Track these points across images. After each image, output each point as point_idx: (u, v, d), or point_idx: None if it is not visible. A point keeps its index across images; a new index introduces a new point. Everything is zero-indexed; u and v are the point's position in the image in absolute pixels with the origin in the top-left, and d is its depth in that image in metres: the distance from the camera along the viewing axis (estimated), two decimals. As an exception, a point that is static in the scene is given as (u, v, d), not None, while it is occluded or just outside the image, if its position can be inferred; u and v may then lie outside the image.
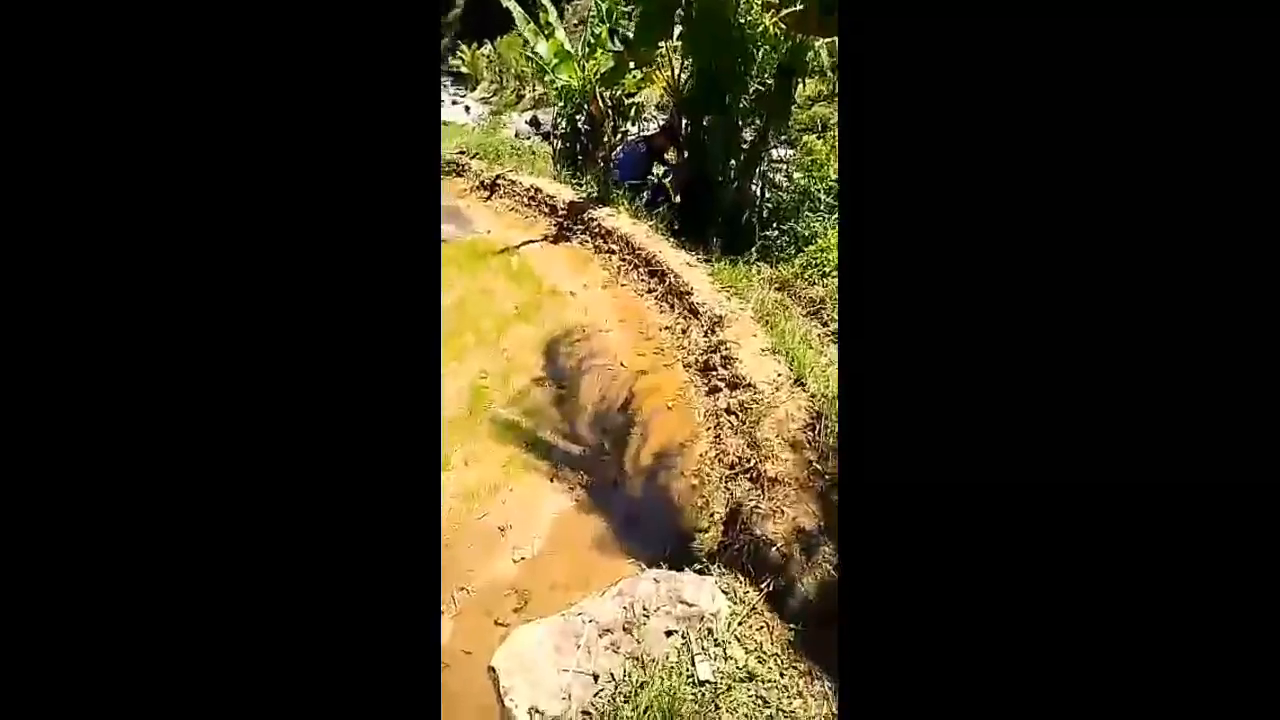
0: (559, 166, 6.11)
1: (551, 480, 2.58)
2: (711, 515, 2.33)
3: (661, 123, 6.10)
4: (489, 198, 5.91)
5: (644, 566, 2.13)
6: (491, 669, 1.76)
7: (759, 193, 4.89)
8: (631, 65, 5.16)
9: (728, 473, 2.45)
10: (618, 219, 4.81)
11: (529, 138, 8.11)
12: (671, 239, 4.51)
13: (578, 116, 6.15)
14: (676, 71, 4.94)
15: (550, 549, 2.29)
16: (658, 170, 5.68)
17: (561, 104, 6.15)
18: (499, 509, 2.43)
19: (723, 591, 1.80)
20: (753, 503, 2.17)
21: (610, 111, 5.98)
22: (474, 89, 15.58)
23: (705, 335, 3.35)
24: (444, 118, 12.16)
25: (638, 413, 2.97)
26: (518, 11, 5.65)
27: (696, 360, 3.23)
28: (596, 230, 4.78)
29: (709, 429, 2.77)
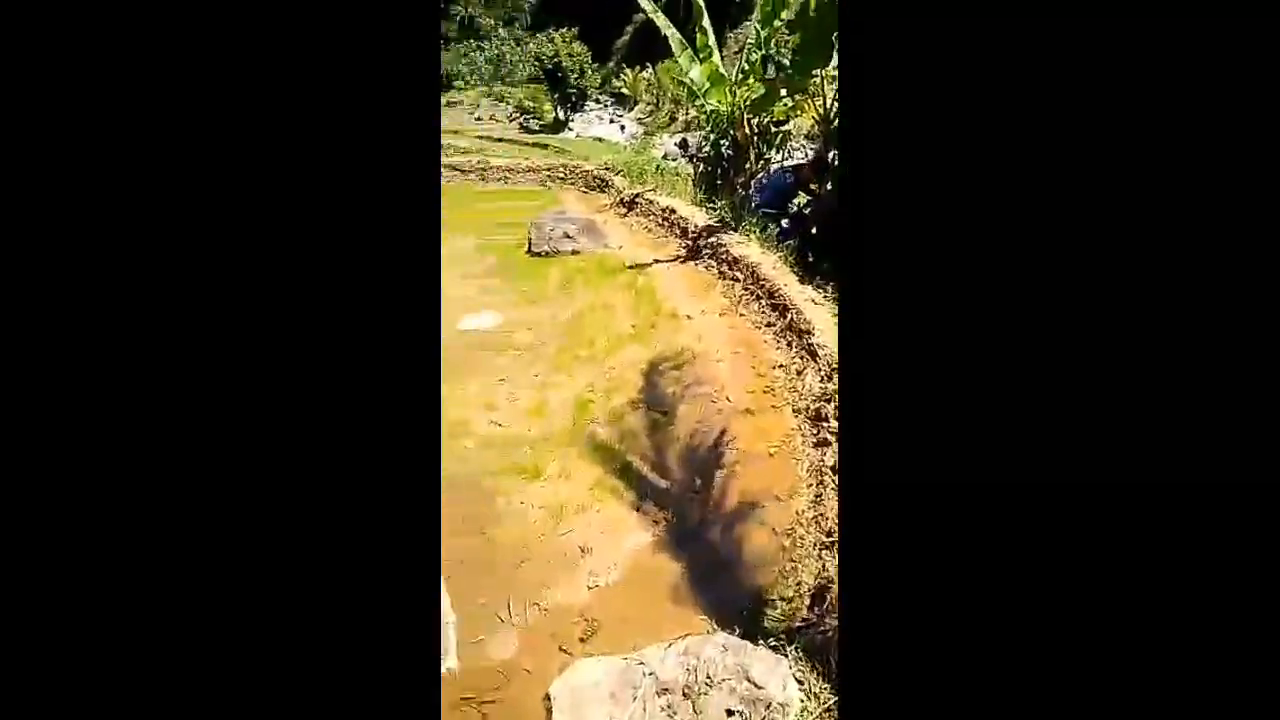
0: (698, 189, 6.13)
1: (636, 510, 2.54)
2: (798, 585, 2.15)
3: (811, 152, 5.89)
4: (626, 214, 6.08)
5: (714, 626, 2.01)
6: (547, 697, 1.75)
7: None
8: (783, 93, 5.05)
9: (824, 539, 2.25)
10: (747, 247, 4.70)
11: (676, 159, 8.28)
12: (800, 273, 4.31)
13: (722, 141, 6.13)
14: (829, 101, 4.74)
15: (625, 581, 2.24)
16: (799, 201, 5.50)
17: (708, 128, 6.18)
18: (583, 529, 2.44)
19: (796, 680, 1.63)
20: (846, 580, 1.95)
21: (755, 138, 5.90)
22: (632, 109, 16.28)
23: (821, 380, 3.13)
24: (599, 135, 12.87)
25: (735, 454, 2.84)
26: (675, 37, 5.77)
27: (808, 406, 3.03)
28: (724, 256, 4.70)
29: (810, 485, 2.56)
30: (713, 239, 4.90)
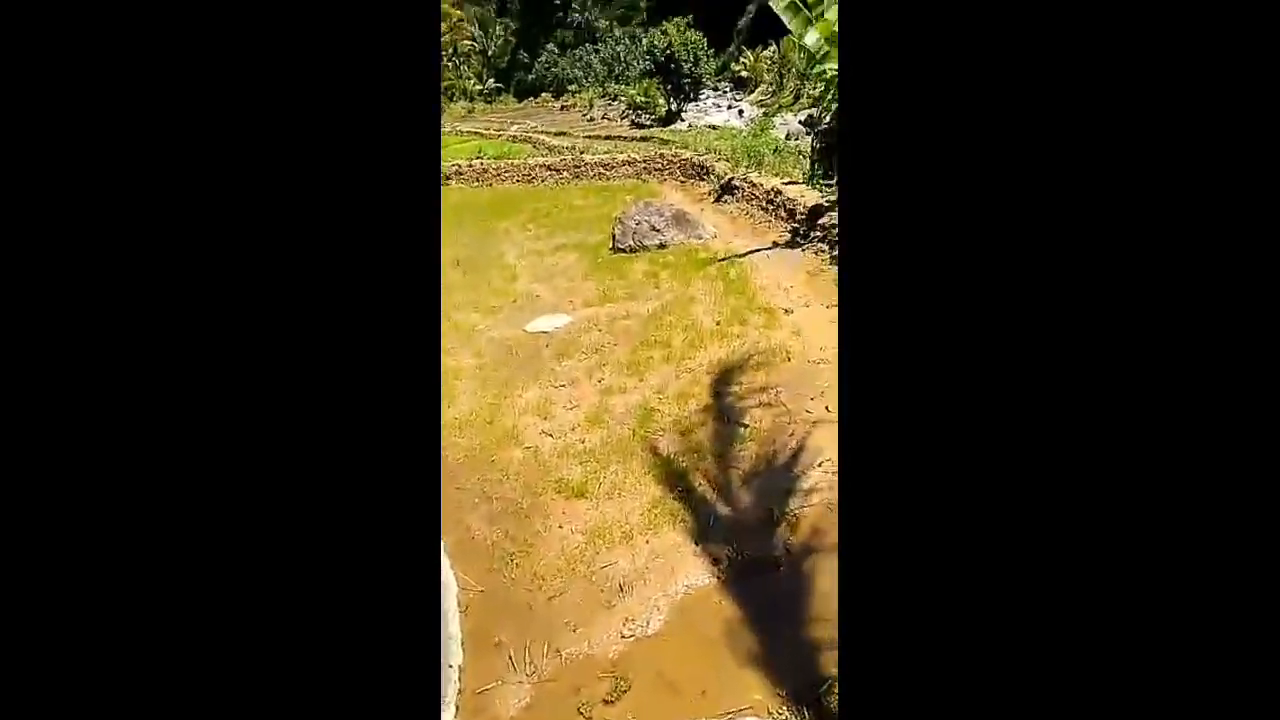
0: (816, 167, 5.45)
1: (696, 543, 2.12)
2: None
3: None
4: (720, 199, 5.58)
5: (777, 708, 1.54)
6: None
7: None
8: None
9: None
10: (862, 227, 4.03)
11: (798, 138, 7.60)
12: None
13: (834, 127, 5.42)
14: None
15: (669, 632, 1.84)
16: None
17: (829, 96, 5.49)
18: (627, 560, 2.08)
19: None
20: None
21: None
22: (753, 92, 15.52)
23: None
24: (714, 122, 12.40)
25: (825, 476, 2.30)
26: (783, 5, 5.15)
27: (926, 420, 2.39)
28: (835, 239, 4.06)
29: (921, 524, 1.97)
30: (823, 219, 4.27)
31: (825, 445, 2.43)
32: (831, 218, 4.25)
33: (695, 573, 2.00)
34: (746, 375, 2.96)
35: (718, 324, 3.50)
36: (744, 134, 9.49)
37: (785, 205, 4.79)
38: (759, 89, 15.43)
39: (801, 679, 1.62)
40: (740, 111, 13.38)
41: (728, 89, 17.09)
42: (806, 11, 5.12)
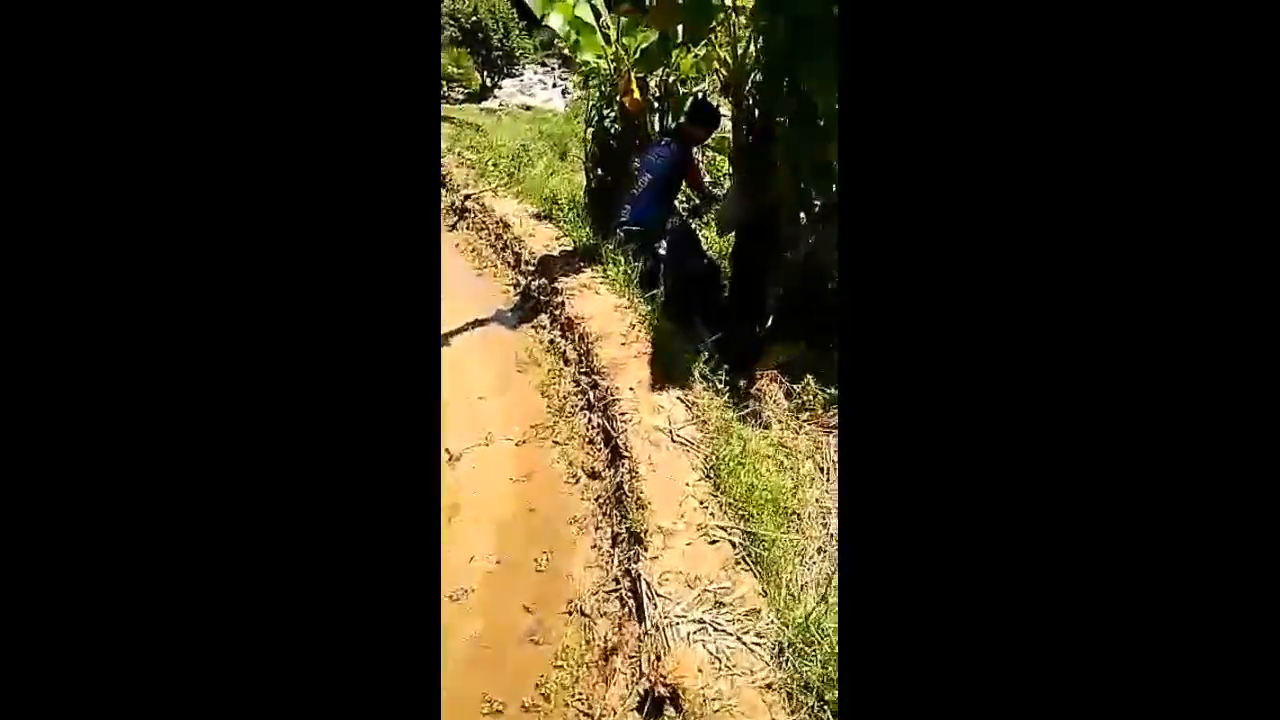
0: (591, 179, 4.17)
1: None
2: None
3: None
4: (453, 226, 4.04)
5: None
6: None
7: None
8: (680, 39, 3.09)
9: None
10: (594, 293, 2.78)
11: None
12: (686, 348, 2.44)
13: (607, 112, 4.17)
14: (738, 47, 2.79)
15: None
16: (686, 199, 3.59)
17: (590, 92, 4.22)
18: None
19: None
20: None
21: (654, 104, 3.94)
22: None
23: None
24: (533, 103, 10.88)
25: None
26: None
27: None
28: (559, 313, 2.79)
29: None
30: (558, 277, 2.98)
31: None
32: (563, 279, 2.96)
33: None
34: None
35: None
36: (556, 119, 8.21)
37: (514, 245, 3.42)
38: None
39: None
40: (564, 91, 11.96)
41: (555, 65, 15.51)
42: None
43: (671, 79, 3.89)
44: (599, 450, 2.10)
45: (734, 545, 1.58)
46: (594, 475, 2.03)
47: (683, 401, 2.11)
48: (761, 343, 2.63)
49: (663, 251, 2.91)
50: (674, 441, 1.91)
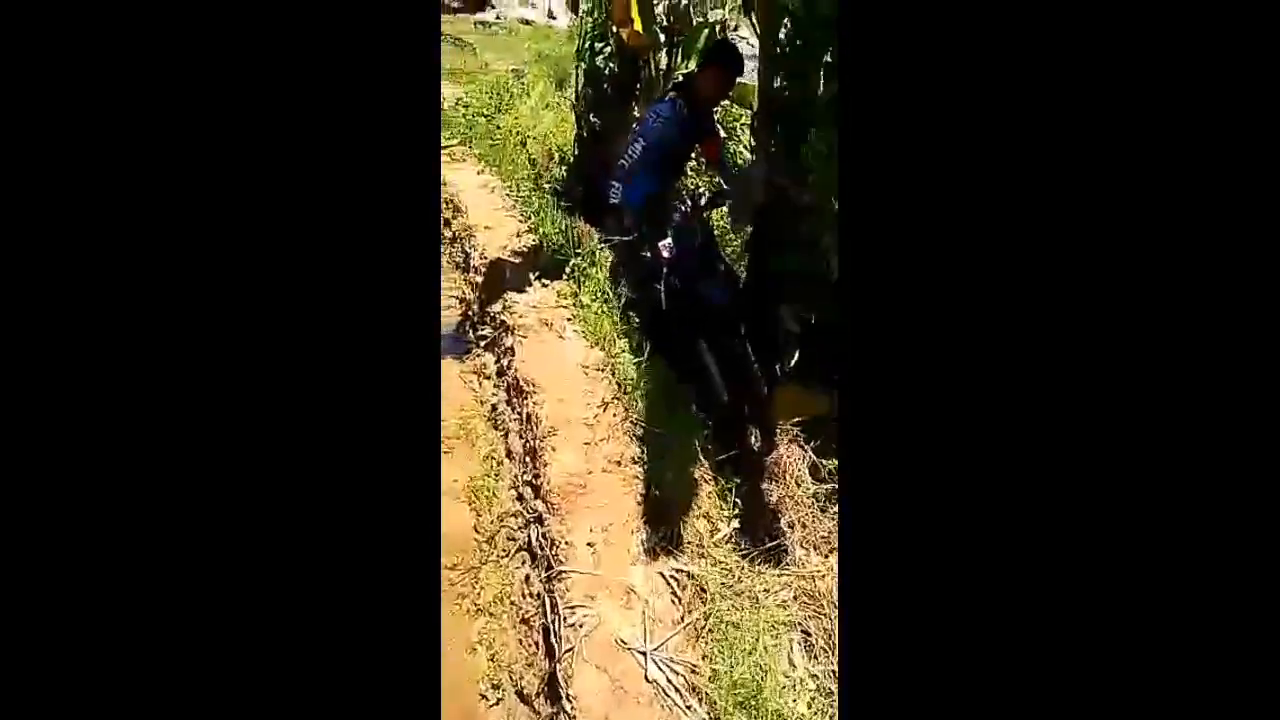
0: (583, 129, 3.18)
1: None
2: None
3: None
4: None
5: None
6: None
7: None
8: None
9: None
10: (562, 334, 1.93)
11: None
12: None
13: (601, 46, 3.13)
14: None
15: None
16: (701, 183, 2.65)
17: (576, 19, 3.21)
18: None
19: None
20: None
21: (663, 38, 2.91)
22: None
23: None
24: (529, 16, 9.43)
25: None
26: None
27: None
28: (508, 363, 1.94)
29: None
30: (512, 300, 2.11)
31: None
32: (513, 296, 2.10)
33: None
34: None
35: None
36: (560, 36, 7.09)
37: (462, 241, 2.50)
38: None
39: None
40: (575, 3, 10.42)
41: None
42: None
43: (683, 3, 2.82)
44: (535, 646, 1.33)
45: None
46: (524, 698, 1.27)
47: (673, 580, 1.30)
48: (774, 385, 1.76)
49: (666, 255, 1.97)
50: (648, 681, 1.13)
